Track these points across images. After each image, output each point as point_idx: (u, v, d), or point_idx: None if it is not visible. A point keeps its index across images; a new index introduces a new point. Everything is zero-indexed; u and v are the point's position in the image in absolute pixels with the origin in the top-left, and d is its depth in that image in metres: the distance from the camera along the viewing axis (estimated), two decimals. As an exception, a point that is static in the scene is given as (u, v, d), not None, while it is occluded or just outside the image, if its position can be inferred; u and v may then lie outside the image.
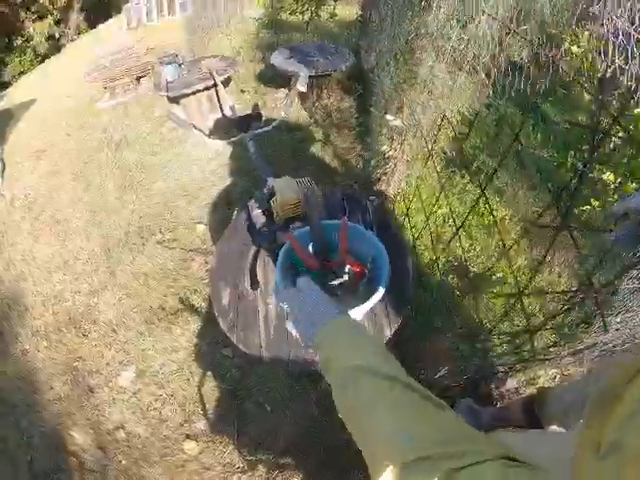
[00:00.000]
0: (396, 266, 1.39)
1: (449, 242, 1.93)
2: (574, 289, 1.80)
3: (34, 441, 2.20)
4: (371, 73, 3.31)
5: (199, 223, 2.99)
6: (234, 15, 6.04)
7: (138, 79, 4.27)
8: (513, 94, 1.52)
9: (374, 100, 2.75)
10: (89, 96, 4.84)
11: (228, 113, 3.34)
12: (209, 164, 3.45)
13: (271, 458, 1.91)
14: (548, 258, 2.14)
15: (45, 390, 2.39)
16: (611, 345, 1.17)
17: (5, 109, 6.13)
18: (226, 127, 3.54)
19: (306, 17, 5.43)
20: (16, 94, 6.82)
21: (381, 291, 1.11)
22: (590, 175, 1.44)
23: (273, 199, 1.55)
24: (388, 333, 1.41)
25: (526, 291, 1.26)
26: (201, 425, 2.07)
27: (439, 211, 2.53)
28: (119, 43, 5.69)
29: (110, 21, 8.73)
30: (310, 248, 1.29)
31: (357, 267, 1.23)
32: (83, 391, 2.34)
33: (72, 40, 9.83)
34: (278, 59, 3.54)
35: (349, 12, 5.41)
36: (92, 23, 9.48)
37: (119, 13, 8.54)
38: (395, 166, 2.41)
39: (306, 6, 5.42)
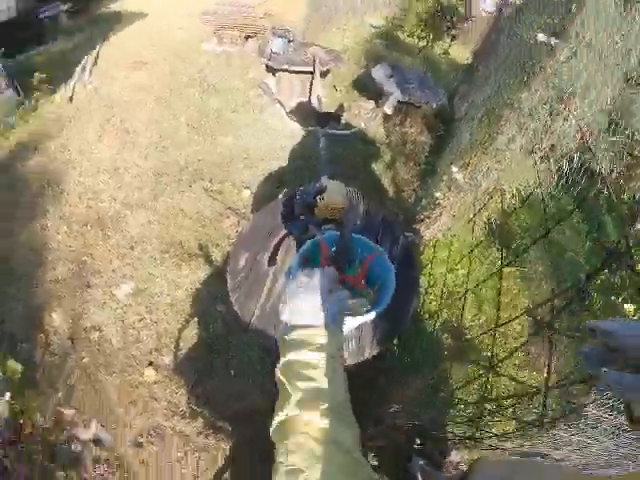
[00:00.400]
0: (400, 302, 1.48)
1: (455, 300, 1.99)
2: (530, 391, 1.82)
3: (18, 308, 2.37)
4: (457, 121, 3.37)
5: (247, 188, 3.13)
6: (356, 14, 6.20)
7: (247, 37, 4.47)
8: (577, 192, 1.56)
9: (449, 147, 2.81)
10: (198, 33, 5.07)
11: (314, 102, 3.46)
12: (279, 141, 3.58)
13: (213, 417, 2.01)
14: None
15: (48, 269, 2.58)
16: (560, 459, 1.21)
17: (116, 12, 6.47)
18: (306, 114, 3.66)
19: (420, 44, 5.53)
20: (130, 2, 7.14)
21: (372, 315, 1.18)
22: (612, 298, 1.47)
23: (320, 196, 1.65)
24: (366, 355, 1.48)
25: (496, 370, 1.30)
26: (167, 360, 2.20)
27: (460, 271, 2.57)
28: (242, -3, 5.90)
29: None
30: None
31: (364, 288, 1.31)
32: (80, 284, 2.51)
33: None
34: (379, 73, 3.64)
35: (461, 55, 5.47)
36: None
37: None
38: (440, 215, 2.47)
39: (424, 34, 5.53)
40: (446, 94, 3.81)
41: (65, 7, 5.92)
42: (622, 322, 0.58)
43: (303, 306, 0.69)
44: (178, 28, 5.42)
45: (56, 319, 2.37)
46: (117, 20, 6.05)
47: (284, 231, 1.73)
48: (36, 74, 4.24)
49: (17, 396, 2.01)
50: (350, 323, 1.24)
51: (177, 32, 5.33)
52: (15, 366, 2.10)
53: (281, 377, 0.64)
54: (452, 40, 5.47)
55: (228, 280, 1.59)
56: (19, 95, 4.14)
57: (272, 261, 1.63)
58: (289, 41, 3.44)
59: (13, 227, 2.81)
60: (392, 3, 6.41)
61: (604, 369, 0.54)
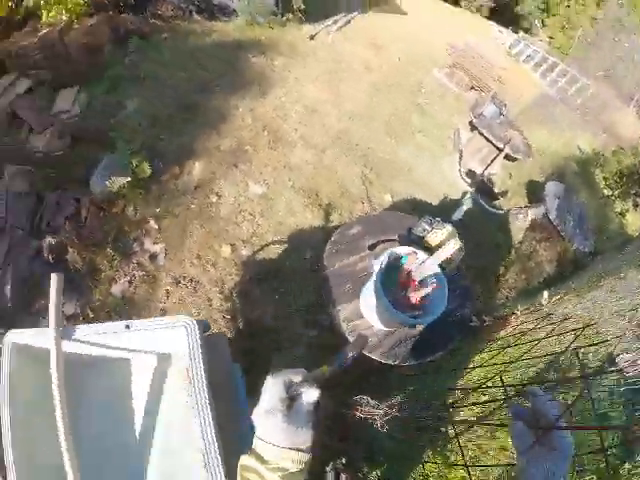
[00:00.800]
0: (430, 345, 1.78)
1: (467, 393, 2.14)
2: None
3: (178, 141, 3.07)
4: (586, 272, 3.38)
5: (391, 196, 3.49)
6: (572, 130, 6.19)
7: (471, 88, 4.78)
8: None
9: (563, 286, 2.90)
10: (437, 57, 5.53)
11: (486, 173, 3.67)
12: (439, 181, 3.86)
13: (239, 312, 2.42)
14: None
15: (219, 136, 3.27)
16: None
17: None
18: (474, 178, 3.84)
19: (605, 191, 5.41)
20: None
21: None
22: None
23: (435, 231, 1.97)
24: (375, 355, 1.79)
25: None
26: (245, 253, 2.68)
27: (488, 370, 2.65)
28: (491, 51, 6.16)
29: (505, 30, 9.09)
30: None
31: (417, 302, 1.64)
32: (232, 161, 3.12)
33: (475, 9, 10.44)
34: (551, 187, 3.74)
35: (634, 224, 5.24)
36: (501, 20, 9.77)
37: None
38: (509, 323, 2.61)
39: (614, 185, 5.41)
40: (593, 246, 3.78)
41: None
42: (547, 395, 0.67)
43: (269, 426, 0.64)
44: (426, 41, 5.93)
45: (196, 168, 2.99)
46: (386, 1, 6.81)
47: (395, 236, 2.08)
48: (298, 3, 5.06)
49: (130, 185, 2.67)
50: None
51: (423, 43, 5.83)
52: (147, 169, 2.76)
53: (239, 472, 0.65)
54: (634, 207, 5.27)
55: (336, 233, 2.00)
56: (277, 7, 4.97)
57: (372, 247, 1.99)
58: (500, 113, 3.70)
59: (213, 89, 3.56)
60: (608, 142, 6.29)
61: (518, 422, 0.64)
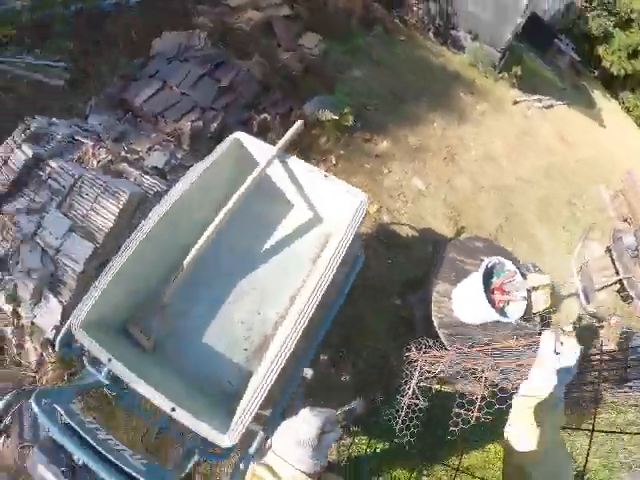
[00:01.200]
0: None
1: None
2: None
3: (385, 118, 3.91)
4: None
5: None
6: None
7: (625, 220, 4.92)
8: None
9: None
10: (609, 176, 5.53)
11: (595, 289, 3.90)
12: (558, 271, 4.07)
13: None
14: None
15: (409, 132, 4.08)
16: None
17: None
18: (586, 285, 4.03)
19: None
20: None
21: (494, 314, 2.13)
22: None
23: (535, 275, 2.54)
24: (439, 331, 2.43)
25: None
26: (385, 218, 3.41)
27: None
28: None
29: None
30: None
31: (500, 302, 2.25)
32: (410, 153, 3.90)
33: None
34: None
35: None
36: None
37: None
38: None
39: None
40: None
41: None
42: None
43: (297, 453, 0.75)
44: (608, 158, 6.03)
45: (383, 144, 3.84)
46: (591, 104, 7.23)
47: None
48: (517, 69, 5.79)
49: (332, 124, 3.52)
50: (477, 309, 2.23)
51: (605, 159, 5.95)
52: (350, 120, 3.64)
53: (248, 477, 0.78)
54: None
55: (466, 237, 2.69)
56: (499, 63, 5.73)
57: (477, 265, 2.60)
58: (637, 248, 3.93)
59: (422, 98, 4.46)
60: None
61: None
